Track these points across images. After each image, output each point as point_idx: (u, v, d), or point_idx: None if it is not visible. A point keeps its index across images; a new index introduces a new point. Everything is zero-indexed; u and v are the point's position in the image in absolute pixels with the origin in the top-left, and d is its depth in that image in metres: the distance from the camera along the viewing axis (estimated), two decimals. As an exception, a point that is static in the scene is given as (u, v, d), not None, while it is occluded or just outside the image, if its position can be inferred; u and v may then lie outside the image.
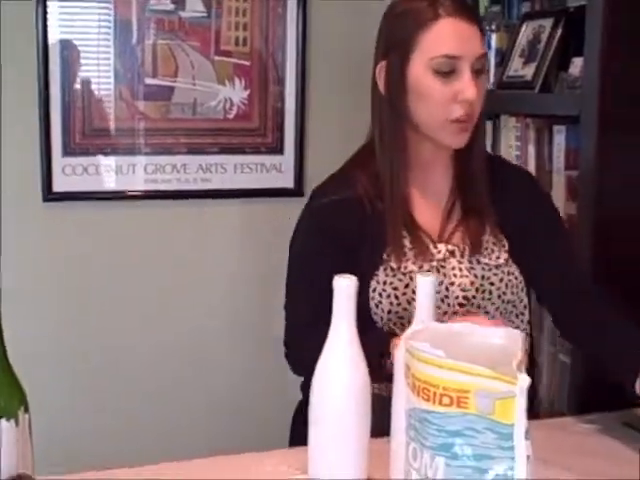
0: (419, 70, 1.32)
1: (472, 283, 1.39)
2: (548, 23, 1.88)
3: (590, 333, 1.39)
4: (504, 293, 1.41)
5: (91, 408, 2.20)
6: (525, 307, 1.44)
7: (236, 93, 2.19)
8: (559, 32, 1.84)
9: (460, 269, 1.39)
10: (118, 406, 2.23)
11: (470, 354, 0.88)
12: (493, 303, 1.40)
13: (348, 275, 1.16)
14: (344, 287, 1.15)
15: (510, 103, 1.89)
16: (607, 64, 1.54)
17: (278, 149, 2.25)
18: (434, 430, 0.86)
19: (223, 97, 2.19)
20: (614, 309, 1.39)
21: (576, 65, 1.71)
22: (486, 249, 1.40)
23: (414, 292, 1.32)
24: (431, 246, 1.39)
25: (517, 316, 1.43)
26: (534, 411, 1.51)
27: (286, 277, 1.52)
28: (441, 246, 1.39)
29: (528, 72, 1.88)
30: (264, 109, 2.22)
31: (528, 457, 0.85)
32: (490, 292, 1.40)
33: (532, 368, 1.63)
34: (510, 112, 1.90)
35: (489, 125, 1.97)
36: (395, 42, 1.34)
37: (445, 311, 1.38)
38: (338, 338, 1.16)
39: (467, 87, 1.30)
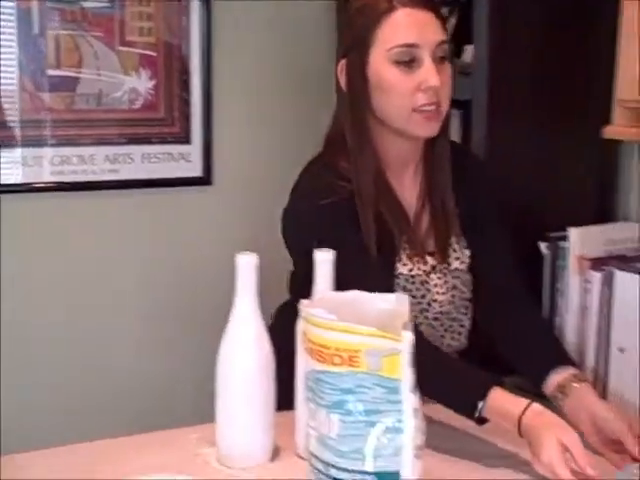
0: (379, 64, 1.31)
1: (447, 299, 1.41)
2: (443, 12, 1.96)
3: (508, 334, 1.43)
4: (463, 292, 1.46)
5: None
6: (470, 293, 1.47)
7: (142, 83, 2.19)
8: (453, 21, 1.93)
9: (441, 285, 1.41)
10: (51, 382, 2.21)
11: (363, 318, 0.94)
12: (456, 307, 1.45)
13: (249, 252, 1.21)
14: (245, 263, 1.20)
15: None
16: (495, 51, 1.62)
17: (185, 139, 2.26)
18: (328, 389, 0.92)
19: (128, 87, 2.18)
20: (535, 315, 1.46)
21: (468, 52, 1.80)
22: (454, 251, 1.43)
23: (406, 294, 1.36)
24: (418, 255, 1.38)
25: (466, 308, 1.47)
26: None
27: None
28: (427, 257, 1.40)
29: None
30: (170, 99, 2.23)
31: (415, 410, 0.92)
32: (453, 296, 1.44)
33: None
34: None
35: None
36: (353, 39, 1.34)
37: (420, 322, 1.41)
38: (242, 313, 1.21)
39: (430, 75, 1.28)
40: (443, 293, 1.41)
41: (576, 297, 1.44)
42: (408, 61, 1.29)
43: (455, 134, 1.83)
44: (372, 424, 0.90)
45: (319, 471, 0.95)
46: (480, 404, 1.19)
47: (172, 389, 2.30)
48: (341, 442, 0.91)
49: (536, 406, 1.17)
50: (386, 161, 1.38)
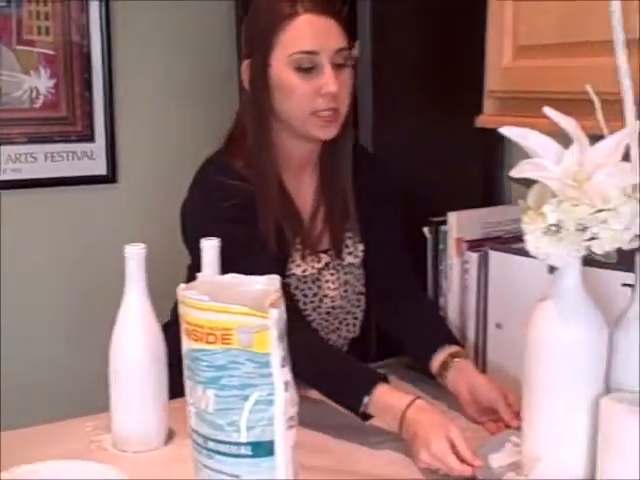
0: (280, 67, 1.34)
1: (339, 294, 1.47)
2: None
3: (397, 319, 1.50)
4: (355, 286, 1.52)
5: None
6: (363, 286, 1.53)
7: (42, 82, 2.20)
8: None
9: (333, 282, 1.46)
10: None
11: (239, 299, 0.99)
12: (349, 300, 1.51)
13: (139, 243, 1.25)
14: (135, 254, 1.24)
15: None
16: (377, 46, 1.69)
17: (89, 137, 2.28)
18: (204, 366, 0.97)
19: (28, 87, 2.19)
20: (421, 299, 1.53)
21: (357, 47, 1.87)
22: (347, 247, 1.48)
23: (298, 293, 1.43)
24: (311, 253, 1.42)
25: (358, 302, 1.53)
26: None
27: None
28: (322, 255, 1.45)
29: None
30: (72, 97, 2.25)
31: (287, 383, 0.98)
32: (346, 291, 1.50)
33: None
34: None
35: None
36: (256, 41, 1.37)
37: (313, 319, 1.46)
38: (131, 302, 1.26)
39: (328, 81, 1.32)
40: (335, 289, 1.46)
41: (456, 278, 1.52)
42: (308, 68, 1.33)
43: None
44: (245, 397, 0.96)
45: (199, 445, 1.00)
46: (365, 399, 1.24)
47: (76, 382, 2.31)
48: (217, 416, 0.96)
49: (420, 402, 1.23)
50: (285, 162, 1.42)
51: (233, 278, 1.08)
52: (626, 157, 1.00)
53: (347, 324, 1.53)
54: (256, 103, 1.38)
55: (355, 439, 1.28)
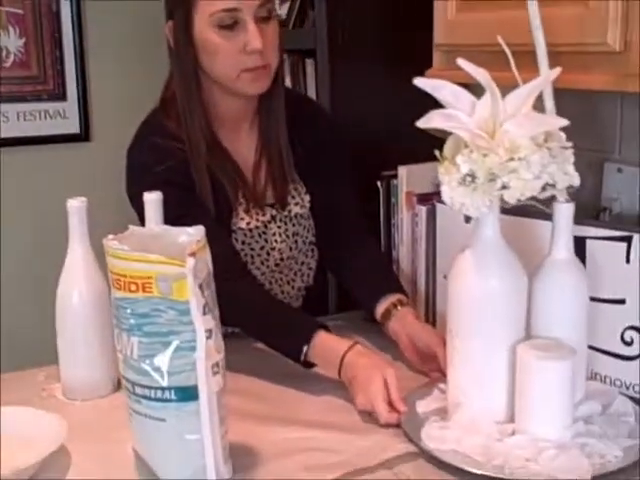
0: (202, 27, 1.33)
1: (287, 246, 1.49)
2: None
3: (347, 269, 1.52)
4: (306, 237, 1.54)
5: None
6: (314, 236, 1.55)
7: (11, 42, 2.22)
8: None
9: (280, 234, 1.48)
10: None
11: (166, 250, 1.02)
12: (299, 250, 1.53)
13: (81, 197, 1.28)
14: (75, 207, 1.27)
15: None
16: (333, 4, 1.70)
17: (60, 95, 2.30)
18: (128, 314, 1.00)
19: (-2, 46, 2.22)
20: (370, 249, 1.53)
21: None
22: (293, 198, 1.49)
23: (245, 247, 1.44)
24: (256, 207, 1.44)
25: (312, 250, 1.56)
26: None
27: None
28: (266, 208, 1.46)
29: (283, 11, 2.03)
30: (42, 56, 2.27)
31: (210, 330, 1.01)
32: (296, 242, 1.52)
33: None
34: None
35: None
36: (176, 2, 1.36)
37: (263, 272, 1.49)
38: (75, 254, 1.29)
39: (252, 38, 1.31)
40: (283, 241, 1.49)
41: (407, 231, 1.54)
42: (231, 25, 1.32)
43: (311, 82, 1.93)
44: (168, 344, 0.99)
45: (128, 390, 1.04)
46: (305, 348, 1.25)
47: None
48: (142, 362, 1.00)
49: (359, 347, 1.25)
50: (220, 118, 1.42)
51: (162, 229, 1.11)
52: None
53: (302, 275, 1.56)
54: (180, 64, 1.37)
55: (297, 387, 1.31)
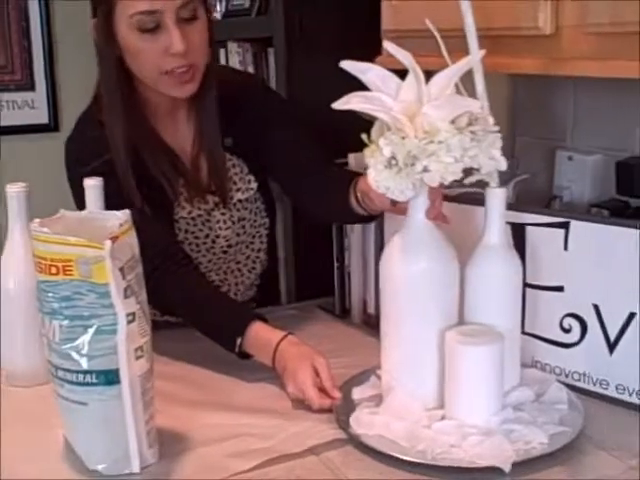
0: (123, 29, 1.30)
1: (233, 232, 1.48)
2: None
3: (323, 207, 1.44)
4: (254, 220, 1.53)
5: None
6: (263, 218, 1.54)
7: (-22, 32, 2.22)
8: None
9: (224, 221, 1.47)
10: None
11: (93, 234, 1.01)
12: (249, 234, 1.52)
13: (21, 183, 1.28)
14: (14, 193, 1.27)
15: (232, 30, 2.03)
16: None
17: (29, 85, 2.30)
18: (50, 298, 0.99)
19: (-36, 36, 2.22)
20: (338, 174, 1.43)
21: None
22: (235, 184, 1.48)
23: (189, 236, 1.44)
24: (198, 195, 1.43)
25: (259, 234, 1.55)
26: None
27: None
28: (209, 197, 1.45)
29: (246, 1, 2.03)
30: (10, 46, 2.26)
31: (132, 313, 1.00)
32: (243, 227, 1.51)
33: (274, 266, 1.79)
34: (233, 38, 2.04)
35: (222, 52, 2.12)
36: (97, 1, 1.33)
37: (210, 259, 1.49)
38: (13, 239, 1.28)
39: (174, 41, 1.27)
40: (228, 227, 1.48)
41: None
42: (152, 28, 1.28)
43: (273, 71, 1.92)
44: (89, 326, 0.98)
45: (52, 374, 1.03)
46: (239, 340, 1.26)
47: None
48: (64, 345, 0.99)
49: (292, 337, 1.25)
50: (153, 111, 1.41)
51: (91, 213, 1.10)
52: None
53: (253, 260, 1.56)
54: (103, 62, 1.35)
55: (233, 374, 1.30)
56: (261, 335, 1.26)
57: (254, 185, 1.50)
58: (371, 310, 1.50)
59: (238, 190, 1.48)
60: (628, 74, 0.99)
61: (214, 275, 1.51)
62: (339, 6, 1.76)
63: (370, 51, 1.69)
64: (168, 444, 1.08)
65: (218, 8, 2.13)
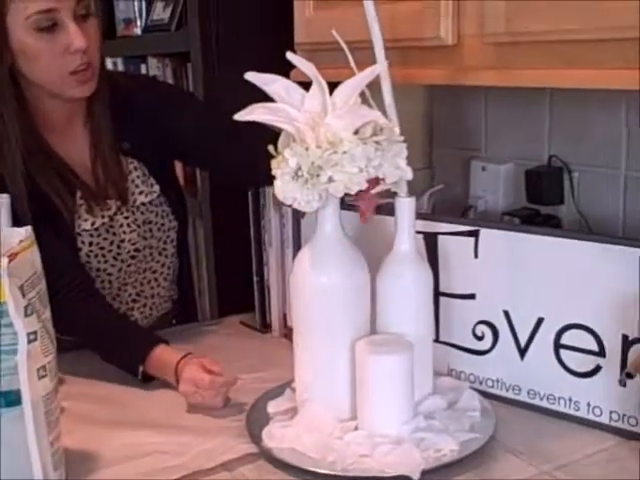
0: (20, 31, 1.26)
1: (139, 235, 1.46)
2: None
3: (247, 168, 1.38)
4: (162, 224, 1.50)
5: None
6: (171, 222, 1.52)
7: None
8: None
9: (128, 224, 1.45)
10: None
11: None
12: (154, 237, 1.49)
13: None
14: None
15: (152, 45, 2.02)
16: (203, 8, 1.69)
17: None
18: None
19: None
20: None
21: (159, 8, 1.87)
22: (137, 187, 1.46)
23: (95, 248, 1.41)
24: (100, 204, 1.40)
25: (169, 238, 1.52)
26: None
27: None
28: (111, 202, 1.42)
29: (166, 15, 2.01)
30: None
31: (35, 332, 0.98)
32: (151, 230, 1.48)
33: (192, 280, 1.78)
34: (152, 53, 2.03)
35: (143, 68, 2.10)
36: None
37: (120, 268, 1.45)
38: None
39: (75, 37, 1.26)
40: (132, 231, 1.45)
41: (276, 232, 1.51)
42: (50, 26, 1.25)
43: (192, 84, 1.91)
44: (-14, 347, 0.96)
45: (-48, 396, 1.00)
46: (140, 368, 1.28)
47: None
48: (-36, 366, 0.96)
49: (191, 355, 1.26)
50: (48, 121, 1.37)
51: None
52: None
53: (168, 266, 1.54)
54: (2, 69, 1.29)
55: (145, 390, 1.29)
56: (163, 358, 1.27)
57: (156, 188, 1.48)
58: (291, 324, 1.49)
59: (141, 193, 1.46)
60: (526, 83, 1.01)
61: (130, 288, 1.49)
62: (256, 20, 1.76)
63: (286, 64, 1.70)
64: (78, 465, 1.06)
65: (138, 23, 2.11)
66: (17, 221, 1.21)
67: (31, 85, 1.32)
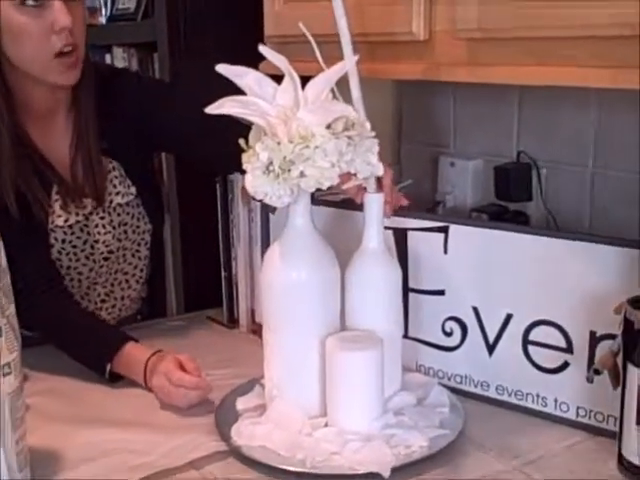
0: (5, 9, 1.24)
1: (114, 237, 1.43)
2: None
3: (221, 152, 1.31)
4: (137, 227, 1.48)
5: None
6: (146, 224, 1.49)
7: None
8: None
9: (104, 225, 1.42)
10: None
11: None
12: (128, 239, 1.47)
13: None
14: None
15: (117, 34, 1.98)
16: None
17: None
18: None
19: None
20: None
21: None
22: (115, 187, 1.43)
23: (67, 246, 1.38)
24: (75, 201, 1.38)
25: (143, 240, 1.50)
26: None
27: None
28: (87, 201, 1.39)
29: (132, 4, 1.98)
30: None
31: (-1, 328, 0.95)
32: (125, 232, 1.46)
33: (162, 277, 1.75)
34: (118, 43, 1.99)
35: (108, 58, 2.07)
36: None
37: (91, 267, 1.43)
38: None
39: (60, 14, 1.24)
40: (107, 232, 1.43)
41: (244, 227, 1.50)
42: (36, 4, 1.23)
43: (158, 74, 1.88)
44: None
45: None
46: (108, 366, 1.26)
47: None
48: None
49: (162, 352, 1.25)
50: (31, 114, 1.34)
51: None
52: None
53: (141, 269, 1.52)
54: None
55: (113, 387, 1.28)
56: (131, 356, 1.26)
57: (133, 189, 1.46)
58: (259, 320, 1.48)
59: (118, 194, 1.44)
60: (498, 79, 1.01)
61: (100, 288, 1.46)
62: (224, 11, 1.74)
63: (255, 56, 1.68)
64: (44, 464, 1.04)
65: (103, 12, 2.08)
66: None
67: (15, 70, 1.29)
